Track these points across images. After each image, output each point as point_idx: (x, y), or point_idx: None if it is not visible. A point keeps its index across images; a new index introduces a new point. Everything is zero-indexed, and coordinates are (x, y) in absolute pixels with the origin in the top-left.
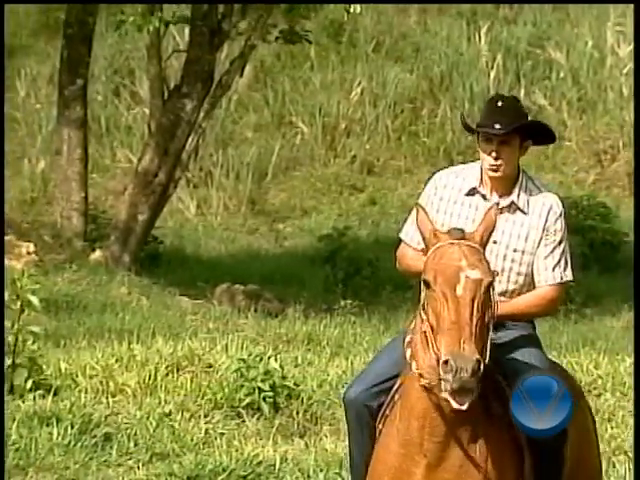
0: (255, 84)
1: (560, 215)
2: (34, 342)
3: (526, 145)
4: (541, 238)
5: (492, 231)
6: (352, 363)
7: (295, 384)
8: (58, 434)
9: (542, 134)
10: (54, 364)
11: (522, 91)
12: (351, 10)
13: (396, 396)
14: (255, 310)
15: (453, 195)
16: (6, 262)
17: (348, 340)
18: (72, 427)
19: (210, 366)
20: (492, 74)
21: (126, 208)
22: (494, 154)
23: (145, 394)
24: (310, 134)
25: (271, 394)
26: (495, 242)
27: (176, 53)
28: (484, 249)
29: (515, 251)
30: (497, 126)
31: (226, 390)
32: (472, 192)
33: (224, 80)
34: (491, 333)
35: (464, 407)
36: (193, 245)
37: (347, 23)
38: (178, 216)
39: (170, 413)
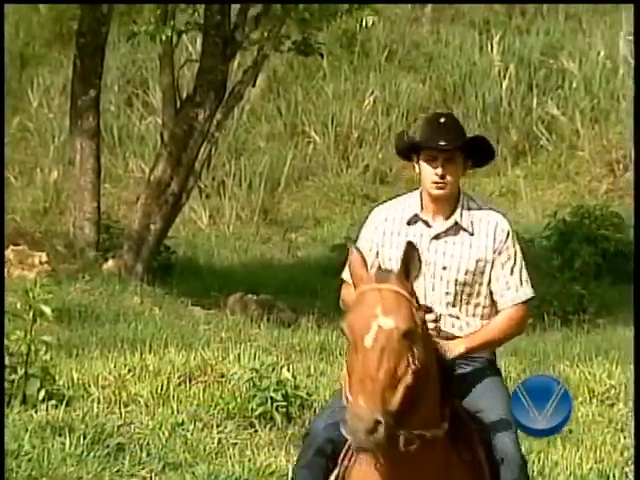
0: (268, 94)
1: (509, 233)
2: (47, 352)
3: (467, 164)
4: (493, 259)
5: (415, 266)
6: None
7: (308, 394)
8: (71, 444)
9: (482, 153)
10: (67, 374)
11: (535, 100)
12: (364, 23)
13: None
14: (268, 320)
15: (395, 227)
16: (19, 272)
17: None
18: (85, 437)
19: (223, 376)
20: (505, 84)
21: (139, 218)
22: (440, 171)
23: (158, 404)
24: (323, 144)
25: (284, 404)
26: (445, 268)
27: (189, 63)
28: (411, 290)
29: (466, 273)
30: (442, 143)
31: (239, 400)
32: (414, 220)
33: (237, 90)
34: (407, 382)
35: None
36: (206, 255)
37: (360, 33)
38: (191, 226)
39: (183, 423)
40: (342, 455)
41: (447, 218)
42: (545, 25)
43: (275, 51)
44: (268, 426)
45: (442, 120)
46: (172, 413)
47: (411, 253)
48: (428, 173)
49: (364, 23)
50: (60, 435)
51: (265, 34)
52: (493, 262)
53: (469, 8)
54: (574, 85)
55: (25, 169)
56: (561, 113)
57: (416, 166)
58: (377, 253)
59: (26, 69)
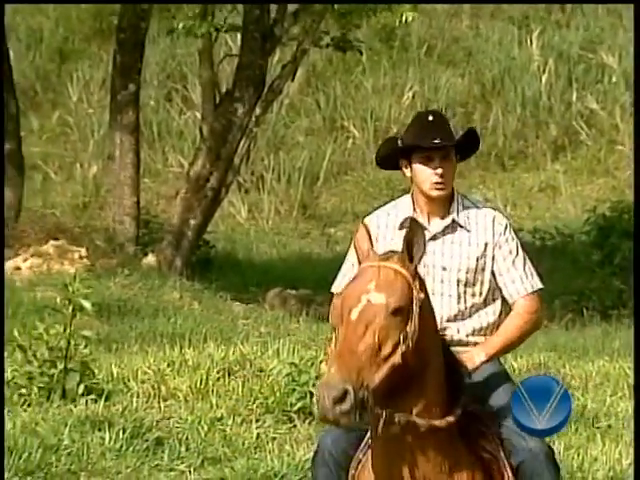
0: (307, 88)
1: (507, 226)
2: (86, 346)
3: (457, 160)
4: (494, 254)
5: (419, 246)
6: None
7: None
8: (110, 438)
9: (468, 146)
10: (106, 368)
11: (574, 95)
12: (403, 18)
13: (370, 441)
14: (307, 314)
15: (388, 233)
16: (58, 267)
17: None
18: (124, 431)
19: (262, 370)
20: (544, 78)
21: (178, 213)
22: (439, 171)
23: (197, 398)
24: (362, 138)
25: None
26: (445, 269)
27: (228, 58)
28: (412, 271)
29: (467, 272)
30: (437, 141)
31: (278, 394)
32: (406, 223)
33: (276, 84)
34: (395, 361)
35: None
36: (245, 249)
37: (399, 28)
38: (230, 220)
39: (222, 417)
40: (352, 465)
41: (443, 218)
42: (584, 20)
43: (314, 47)
44: (307, 421)
45: (431, 118)
46: (211, 407)
47: (414, 231)
48: (427, 175)
49: (404, 19)
50: (99, 429)
51: (304, 29)
52: (494, 257)
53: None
54: (614, 80)
55: (65, 164)
56: (600, 108)
57: (406, 171)
58: None
59: (66, 64)
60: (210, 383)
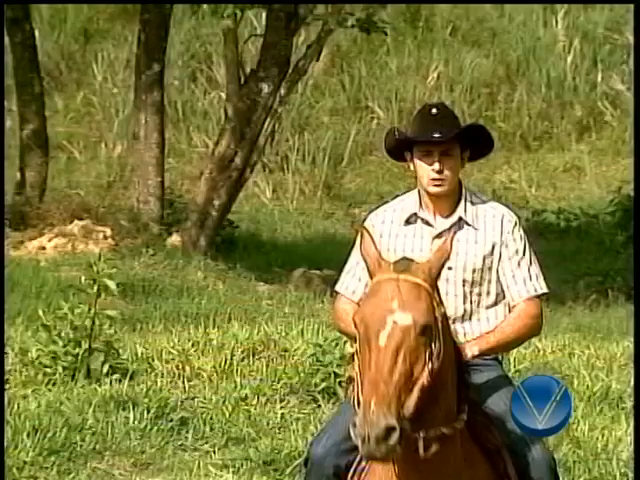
0: (331, 68)
1: (516, 224)
2: (111, 326)
3: (465, 156)
4: (501, 253)
5: (445, 262)
6: None
7: None
8: (134, 418)
9: (480, 143)
10: (130, 348)
11: (599, 76)
12: None
13: None
14: (331, 295)
15: (393, 229)
16: (83, 246)
17: None
18: (148, 411)
19: (286, 351)
20: (569, 59)
21: (203, 193)
22: (437, 166)
23: (221, 378)
24: (386, 119)
25: None
26: (450, 268)
27: (253, 37)
28: (433, 283)
29: (474, 272)
30: (436, 135)
31: (302, 375)
32: (412, 219)
33: (300, 64)
34: (424, 382)
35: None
36: (269, 230)
37: (424, 8)
38: (254, 201)
39: (246, 397)
40: (351, 474)
41: (449, 215)
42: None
43: (339, 26)
44: (331, 401)
45: (434, 111)
46: (235, 387)
47: (448, 245)
48: (424, 170)
49: None
50: (124, 409)
51: (329, 9)
52: (500, 256)
53: None
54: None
55: (89, 143)
56: (626, 88)
57: (411, 165)
58: None
59: (90, 44)
60: (234, 363)
